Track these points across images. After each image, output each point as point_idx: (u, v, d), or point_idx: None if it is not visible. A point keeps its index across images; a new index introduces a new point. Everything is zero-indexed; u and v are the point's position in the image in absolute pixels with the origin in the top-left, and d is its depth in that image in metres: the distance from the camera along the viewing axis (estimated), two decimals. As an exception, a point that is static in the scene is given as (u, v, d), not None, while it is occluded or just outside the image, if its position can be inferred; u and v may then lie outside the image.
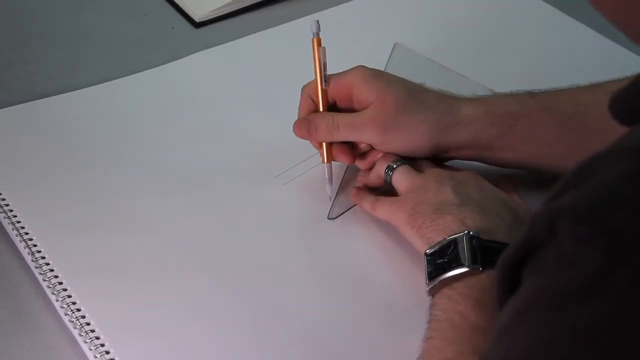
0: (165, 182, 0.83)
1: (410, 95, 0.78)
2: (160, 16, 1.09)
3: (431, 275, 0.68)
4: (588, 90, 0.79)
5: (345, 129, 0.79)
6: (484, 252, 0.66)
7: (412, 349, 0.64)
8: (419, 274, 0.71)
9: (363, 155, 0.82)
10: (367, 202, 0.79)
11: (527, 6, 1.11)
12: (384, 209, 0.77)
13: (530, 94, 0.80)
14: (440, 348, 0.62)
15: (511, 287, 0.43)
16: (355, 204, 0.81)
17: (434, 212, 0.71)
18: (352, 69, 0.80)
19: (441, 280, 0.67)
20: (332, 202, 0.82)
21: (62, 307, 0.70)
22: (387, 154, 0.80)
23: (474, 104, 0.79)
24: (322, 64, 0.80)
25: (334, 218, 0.81)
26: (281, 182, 0.84)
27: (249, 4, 1.10)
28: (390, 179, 0.78)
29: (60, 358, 0.68)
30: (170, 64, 0.99)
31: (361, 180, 0.83)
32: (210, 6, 1.08)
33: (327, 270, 0.76)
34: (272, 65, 1.00)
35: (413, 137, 0.78)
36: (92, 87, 0.95)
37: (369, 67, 0.80)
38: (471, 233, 0.68)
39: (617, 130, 0.43)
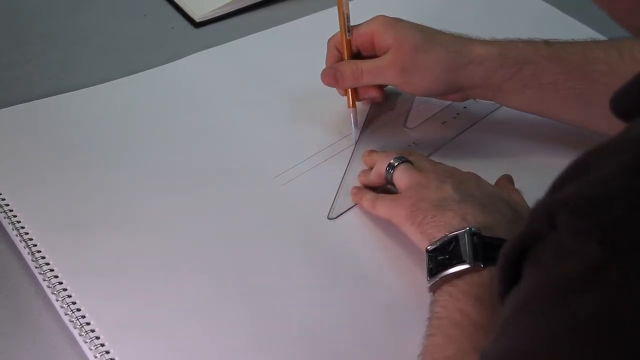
0: (165, 182, 0.83)
1: (425, 37, 0.83)
2: (160, 16, 1.09)
3: (432, 272, 0.68)
4: (600, 46, 0.82)
5: (369, 73, 0.85)
6: (485, 249, 0.66)
7: (413, 346, 0.64)
8: (420, 272, 0.71)
9: (366, 153, 0.85)
10: (367, 200, 0.79)
11: (527, 6, 1.11)
12: (384, 206, 0.77)
13: (546, 42, 0.83)
14: (441, 345, 0.62)
15: (512, 282, 0.43)
16: (355, 204, 0.81)
17: (435, 209, 0.72)
18: (372, 18, 0.86)
19: (442, 277, 0.67)
20: (353, 150, 0.88)
21: (62, 307, 0.70)
22: (387, 152, 0.81)
23: (487, 45, 0.83)
24: (345, 16, 0.86)
25: (334, 218, 0.81)
26: (281, 182, 0.84)
27: (248, 4, 1.10)
28: (391, 177, 0.78)
29: (60, 358, 0.68)
30: (170, 64, 0.99)
31: (361, 180, 0.83)
32: (210, 6, 1.08)
33: (327, 269, 0.75)
34: (272, 65, 1.00)
35: (430, 76, 0.83)
36: (92, 87, 0.95)
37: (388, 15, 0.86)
38: (472, 229, 0.68)
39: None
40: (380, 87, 0.89)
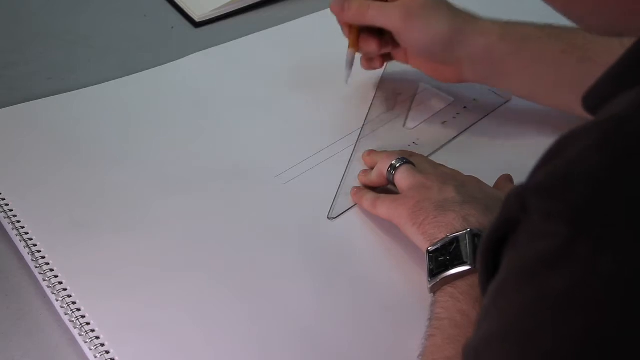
0: (165, 182, 0.83)
1: None
2: (160, 16, 1.09)
3: (433, 273, 0.68)
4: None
5: (375, 9, 0.85)
6: None
7: (413, 347, 0.64)
8: (420, 272, 0.71)
9: (367, 153, 0.85)
10: (368, 200, 0.79)
11: (527, 6, 1.11)
12: (385, 206, 0.77)
13: (550, 24, 0.84)
14: (441, 346, 0.62)
15: (493, 272, 0.43)
16: (355, 204, 0.81)
17: (436, 209, 0.72)
18: None
19: (443, 278, 0.67)
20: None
21: (62, 307, 0.70)
22: (389, 153, 0.81)
23: (492, 21, 0.86)
24: None
25: (334, 218, 0.81)
26: (281, 182, 0.84)
27: (248, 4, 1.10)
28: (393, 177, 0.78)
29: (60, 358, 0.68)
30: (170, 63, 1.00)
31: (362, 180, 0.83)
32: (210, 6, 1.08)
33: (327, 269, 0.75)
34: (272, 65, 1.00)
35: (432, 29, 0.84)
36: (92, 87, 0.95)
37: None
38: (473, 231, 0.68)
39: None
40: (378, 39, 0.88)
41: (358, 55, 0.91)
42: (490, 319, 0.41)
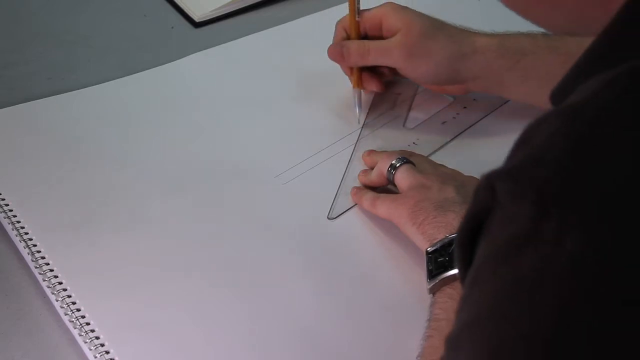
0: (165, 181, 0.83)
1: (433, 26, 0.86)
2: (160, 16, 1.10)
3: (432, 274, 0.68)
4: None
5: (375, 52, 0.87)
6: None
7: (412, 347, 0.64)
8: (420, 272, 0.71)
9: (367, 153, 0.85)
10: (367, 200, 0.79)
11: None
12: (385, 205, 0.77)
13: (544, 34, 0.84)
14: (439, 347, 0.62)
15: (470, 264, 0.44)
16: (355, 204, 0.81)
17: (436, 209, 0.72)
18: (382, 4, 0.88)
19: (442, 279, 0.67)
20: (359, 130, 0.90)
21: (62, 307, 0.70)
22: (389, 153, 0.82)
23: (488, 37, 0.86)
24: None
25: (334, 218, 0.81)
26: (281, 182, 0.84)
27: (248, 4, 1.10)
28: (393, 177, 0.79)
29: (60, 358, 0.68)
30: (170, 64, 1.00)
31: (362, 180, 0.83)
32: (210, 6, 1.08)
33: (327, 269, 0.75)
34: (272, 66, 1.00)
35: (434, 62, 0.86)
36: (92, 87, 0.95)
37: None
38: None
39: None
40: (379, 78, 0.91)
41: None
42: (467, 307, 0.42)
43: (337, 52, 0.88)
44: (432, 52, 0.85)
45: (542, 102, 0.85)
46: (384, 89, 0.92)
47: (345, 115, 0.92)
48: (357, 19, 0.88)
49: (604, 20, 0.43)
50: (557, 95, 0.47)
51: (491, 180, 0.41)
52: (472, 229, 0.43)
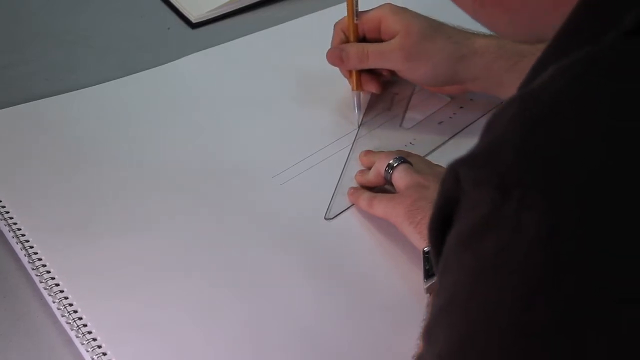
0: (162, 182, 0.84)
1: (432, 27, 0.86)
2: (157, 17, 1.10)
3: (429, 273, 0.68)
4: None
5: (374, 55, 0.87)
6: None
7: (409, 347, 0.64)
8: (418, 272, 0.71)
9: (364, 153, 0.85)
10: (364, 200, 0.80)
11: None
12: (382, 205, 0.77)
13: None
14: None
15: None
16: (352, 204, 0.82)
17: None
18: (380, 5, 0.88)
19: (439, 278, 0.67)
20: (357, 131, 0.90)
21: (59, 309, 0.70)
22: (386, 153, 0.82)
23: (488, 38, 0.85)
24: (354, 0, 0.87)
25: (331, 218, 0.81)
26: (279, 182, 0.84)
27: (245, 5, 1.10)
28: (391, 177, 0.79)
29: (57, 359, 0.68)
30: (169, 64, 1.00)
31: (359, 180, 0.83)
32: (206, 7, 1.08)
33: (325, 269, 0.76)
34: (269, 66, 1.00)
35: (433, 64, 0.86)
36: (91, 87, 0.96)
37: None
38: None
39: None
40: (378, 79, 0.91)
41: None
42: (439, 296, 0.42)
43: (336, 56, 0.89)
44: (431, 54, 0.86)
45: None
46: (381, 89, 0.92)
47: (343, 115, 0.92)
48: (355, 21, 0.88)
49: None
50: (523, 87, 0.47)
51: (455, 169, 0.41)
52: (442, 220, 0.43)
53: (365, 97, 0.93)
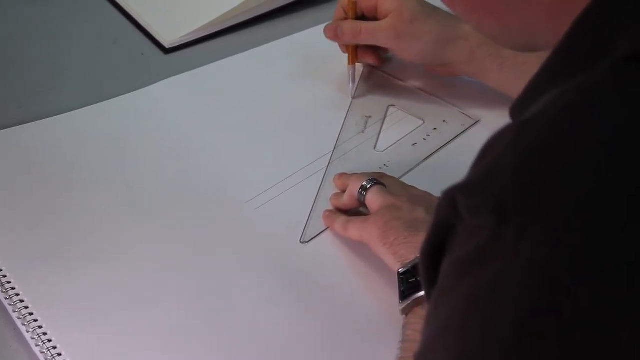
0: (135, 208, 0.83)
1: (423, 10, 0.93)
2: (130, 42, 1.09)
3: (404, 295, 0.68)
4: None
5: (367, 33, 0.95)
6: None
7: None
8: (393, 294, 0.71)
9: (338, 176, 0.85)
10: (339, 223, 0.80)
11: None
12: (356, 227, 0.77)
13: None
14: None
15: (435, 281, 0.44)
16: (327, 227, 0.82)
17: (407, 230, 0.72)
18: None
19: (414, 299, 0.67)
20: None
21: (33, 338, 0.69)
22: (360, 175, 0.82)
23: None
24: None
25: (307, 242, 0.81)
26: (253, 206, 0.84)
27: (218, 30, 1.10)
28: (364, 198, 0.79)
29: (31, 389, 0.67)
30: (141, 90, 0.99)
31: (333, 203, 0.83)
32: (179, 32, 1.08)
33: (301, 293, 0.75)
34: (243, 90, 1.00)
35: (421, 44, 0.93)
36: (64, 114, 0.95)
37: None
38: None
39: None
40: (376, 53, 0.99)
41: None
42: (432, 323, 0.42)
43: (332, 31, 0.96)
44: (420, 36, 0.92)
45: (516, 92, 0.87)
46: (379, 62, 1.00)
47: (316, 139, 0.92)
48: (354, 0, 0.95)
49: (552, 38, 0.45)
50: (515, 109, 0.48)
51: (451, 195, 0.41)
52: (436, 246, 0.44)
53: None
